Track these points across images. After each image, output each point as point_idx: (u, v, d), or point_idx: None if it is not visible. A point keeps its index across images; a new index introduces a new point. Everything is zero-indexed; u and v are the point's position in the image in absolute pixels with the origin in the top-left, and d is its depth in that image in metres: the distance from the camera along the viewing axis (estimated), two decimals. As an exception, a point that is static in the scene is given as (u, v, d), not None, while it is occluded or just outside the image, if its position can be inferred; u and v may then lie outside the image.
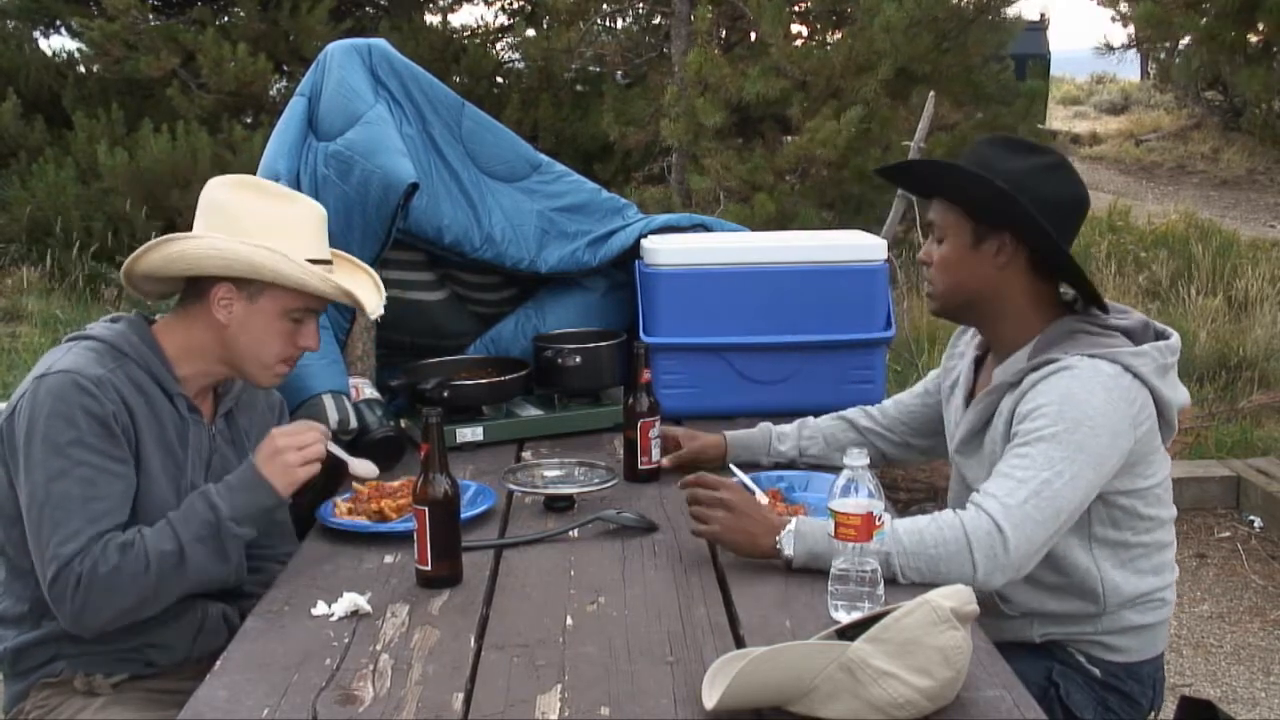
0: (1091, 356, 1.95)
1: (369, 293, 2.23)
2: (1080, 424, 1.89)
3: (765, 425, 2.52)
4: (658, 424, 2.42)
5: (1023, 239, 2.04)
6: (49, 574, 1.88)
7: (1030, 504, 1.86)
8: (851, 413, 2.52)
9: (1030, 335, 2.07)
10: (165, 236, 2.08)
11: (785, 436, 2.49)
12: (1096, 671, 2.07)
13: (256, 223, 2.06)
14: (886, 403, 2.51)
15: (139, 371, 2.02)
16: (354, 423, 2.49)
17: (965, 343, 2.30)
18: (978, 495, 1.91)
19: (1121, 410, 1.93)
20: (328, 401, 2.47)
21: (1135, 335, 2.04)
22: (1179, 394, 2.04)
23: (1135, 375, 1.95)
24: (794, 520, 1.95)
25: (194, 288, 2.10)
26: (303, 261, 2.05)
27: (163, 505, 1.99)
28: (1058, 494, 1.87)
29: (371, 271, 2.29)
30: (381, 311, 2.24)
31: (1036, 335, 2.06)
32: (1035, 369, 1.99)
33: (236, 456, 2.16)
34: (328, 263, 2.15)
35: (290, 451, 2.00)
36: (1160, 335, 2.07)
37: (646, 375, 2.41)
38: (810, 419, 2.52)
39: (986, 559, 1.84)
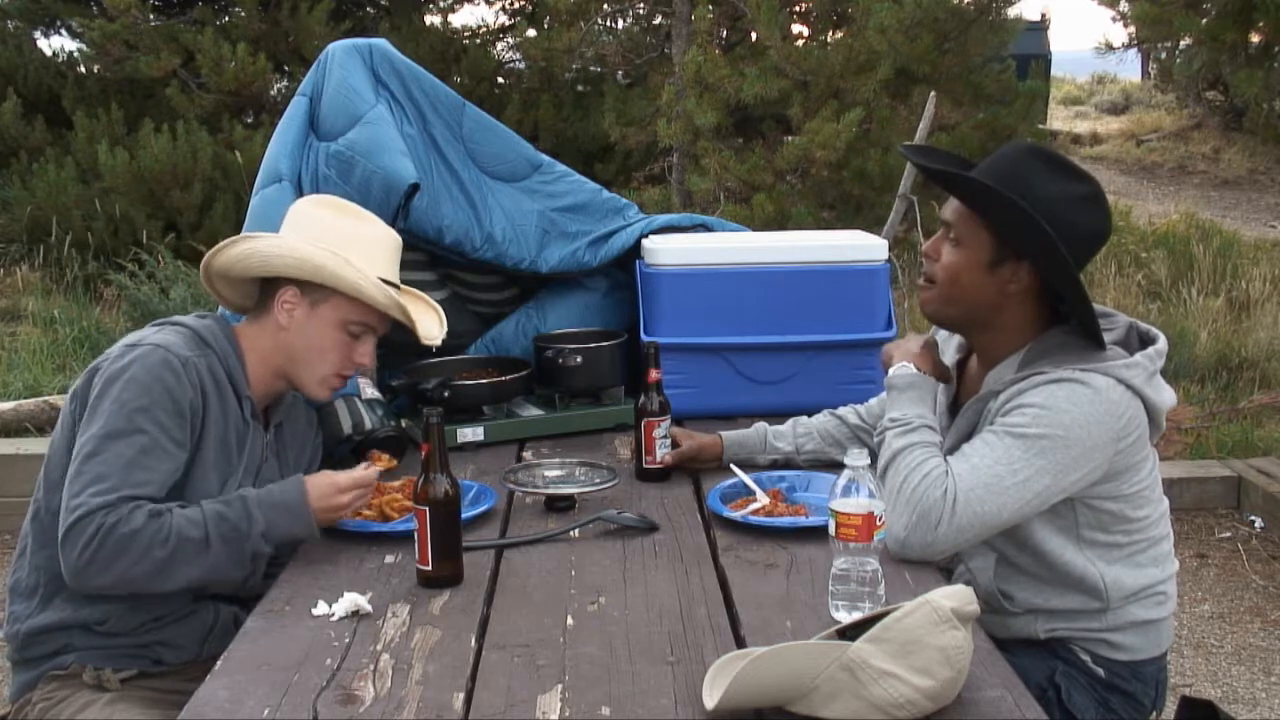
0: (1085, 370, 1.93)
1: (429, 321, 2.28)
2: (1052, 432, 1.89)
3: (760, 425, 2.53)
4: (665, 424, 2.42)
5: (1040, 269, 2.01)
6: (70, 519, 1.89)
7: (975, 493, 1.88)
8: (843, 411, 2.53)
9: (1021, 345, 2.06)
10: (244, 234, 2.17)
11: (781, 435, 2.50)
12: (1101, 672, 2.06)
13: (332, 233, 2.13)
14: (872, 401, 2.50)
15: (219, 365, 2.09)
16: (368, 423, 2.51)
17: (944, 341, 2.29)
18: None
19: (1104, 425, 1.91)
20: (340, 409, 2.51)
21: (1123, 344, 2.03)
22: (1166, 396, 2.03)
23: (1128, 387, 1.94)
24: (915, 370, 2.10)
25: (265, 293, 2.16)
26: (366, 271, 2.11)
27: (205, 498, 2.02)
28: (1005, 491, 1.89)
29: (437, 308, 2.32)
30: (439, 341, 2.27)
31: (1028, 344, 2.05)
32: (1024, 379, 1.97)
33: (280, 468, 2.22)
34: (395, 286, 2.19)
35: (345, 509, 2.07)
36: (1144, 338, 2.06)
37: (654, 374, 2.40)
38: (803, 417, 2.53)
39: (921, 523, 1.90)
